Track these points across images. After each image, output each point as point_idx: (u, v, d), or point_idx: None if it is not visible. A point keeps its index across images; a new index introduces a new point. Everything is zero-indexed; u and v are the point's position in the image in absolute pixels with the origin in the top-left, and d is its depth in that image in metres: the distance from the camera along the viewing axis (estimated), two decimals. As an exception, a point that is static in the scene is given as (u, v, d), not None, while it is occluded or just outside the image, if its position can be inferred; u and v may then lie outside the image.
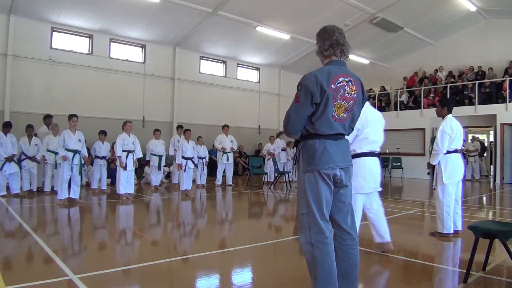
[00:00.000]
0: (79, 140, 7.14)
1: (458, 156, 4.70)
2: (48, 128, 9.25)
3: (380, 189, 3.78)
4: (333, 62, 2.34)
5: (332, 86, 2.20)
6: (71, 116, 7.19)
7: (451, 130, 4.55)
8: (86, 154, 7.79)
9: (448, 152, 4.58)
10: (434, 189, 4.76)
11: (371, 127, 3.60)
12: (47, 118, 9.34)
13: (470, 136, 15.80)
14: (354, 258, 2.32)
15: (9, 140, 7.89)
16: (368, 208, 3.76)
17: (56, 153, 8.48)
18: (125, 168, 7.69)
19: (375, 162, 3.69)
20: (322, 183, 2.22)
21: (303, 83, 2.22)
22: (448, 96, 13.66)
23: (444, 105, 4.76)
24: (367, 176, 3.59)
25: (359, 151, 3.59)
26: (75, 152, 7.05)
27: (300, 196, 2.31)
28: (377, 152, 3.73)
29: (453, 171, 4.57)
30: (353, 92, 2.28)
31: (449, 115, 4.69)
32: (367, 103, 3.70)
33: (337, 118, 2.25)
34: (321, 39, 2.39)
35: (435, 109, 5.08)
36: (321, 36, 2.39)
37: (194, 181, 10.29)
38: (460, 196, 4.78)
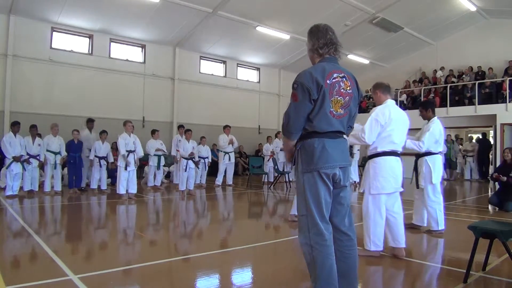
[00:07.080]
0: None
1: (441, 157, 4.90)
2: (90, 132, 9.35)
3: (402, 189, 3.73)
4: (326, 59, 2.33)
5: (328, 81, 2.19)
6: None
7: (439, 134, 4.74)
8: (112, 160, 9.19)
9: (435, 153, 4.73)
10: (418, 188, 4.87)
11: (394, 126, 3.57)
12: (90, 122, 9.45)
13: (474, 136, 15.63)
14: (353, 259, 2.32)
15: (18, 141, 7.93)
16: (389, 210, 3.67)
17: (56, 154, 8.52)
18: (126, 168, 7.71)
19: (397, 162, 3.66)
20: (321, 184, 2.21)
21: (299, 81, 2.20)
22: (448, 96, 13.68)
23: (429, 107, 4.88)
24: (388, 176, 3.58)
25: (380, 149, 3.58)
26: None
27: (299, 198, 2.29)
28: (399, 152, 3.70)
29: (439, 172, 4.77)
30: (348, 88, 2.28)
31: (435, 117, 4.80)
32: (392, 102, 3.71)
33: (335, 114, 2.23)
34: (314, 37, 2.37)
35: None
36: (315, 34, 2.37)
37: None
38: None
